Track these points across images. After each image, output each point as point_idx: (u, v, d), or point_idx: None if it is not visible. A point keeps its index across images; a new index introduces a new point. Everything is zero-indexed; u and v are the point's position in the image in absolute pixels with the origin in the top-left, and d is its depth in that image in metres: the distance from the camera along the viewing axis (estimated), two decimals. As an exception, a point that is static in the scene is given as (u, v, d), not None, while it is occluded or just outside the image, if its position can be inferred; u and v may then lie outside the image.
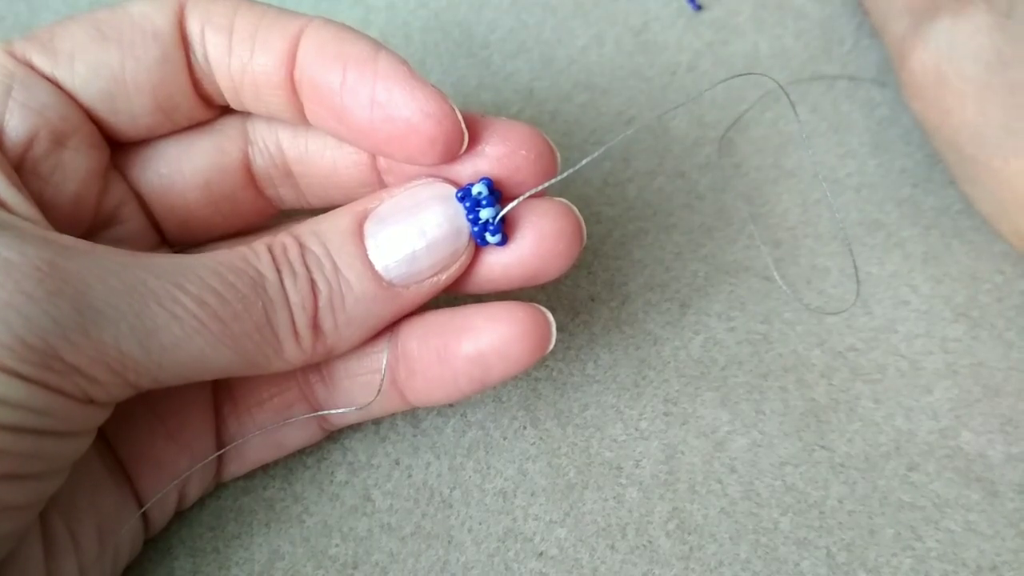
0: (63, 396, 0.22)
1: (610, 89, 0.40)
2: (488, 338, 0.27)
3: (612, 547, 0.31)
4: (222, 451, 0.30)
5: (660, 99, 0.40)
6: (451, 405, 0.33)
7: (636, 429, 0.33)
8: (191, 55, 0.27)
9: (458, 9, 0.42)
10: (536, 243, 0.27)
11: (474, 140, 0.27)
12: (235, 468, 0.31)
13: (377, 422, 0.33)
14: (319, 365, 0.30)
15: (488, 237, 0.27)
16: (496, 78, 0.40)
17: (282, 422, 0.30)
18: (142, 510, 0.28)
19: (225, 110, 0.29)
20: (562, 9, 0.42)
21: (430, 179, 0.27)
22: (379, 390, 0.29)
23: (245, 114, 0.30)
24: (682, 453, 0.33)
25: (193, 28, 0.27)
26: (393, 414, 0.33)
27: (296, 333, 0.26)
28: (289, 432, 0.30)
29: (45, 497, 0.24)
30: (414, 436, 0.33)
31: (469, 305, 0.28)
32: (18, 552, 0.24)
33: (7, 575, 0.24)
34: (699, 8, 0.43)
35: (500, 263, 0.28)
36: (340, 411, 0.30)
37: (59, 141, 0.26)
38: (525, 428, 0.33)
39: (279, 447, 0.31)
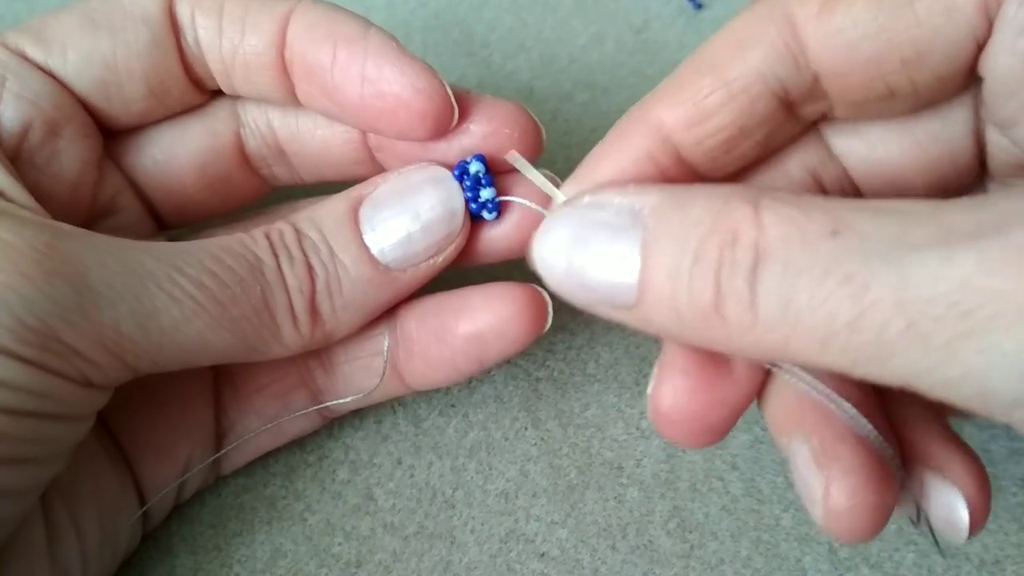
0: (62, 378, 0.22)
1: (611, 88, 0.40)
2: (485, 317, 0.28)
3: (613, 547, 0.31)
4: (227, 449, 0.30)
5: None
6: (453, 405, 0.33)
7: (637, 428, 0.33)
8: (182, 39, 0.27)
9: (458, 9, 0.42)
10: (521, 215, 0.28)
11: (462, 116, 0.27)
12: (235, 459, 0.31)
13: (379, 421, 0.33)
14: (318, 350, 0.30)
15: (485, 214, 0.28)
16: (496, 77, 0.40)
17: (284, 417, 0.30)
18: (146, 506, 0.28)
19: (216, 94, 0.30)
20: (562, 8, 0.42)
21: (424, 163, 0.28)
22: (383, 374, 0.29)
23: (236, 97, 0.30)
24: (683, 451, 0.32)
25: (183, 12, 0.27)
26: (392, 398, 0.33)
27: (294, 317, 0.26)
28: (289, 422, 0.31)
29: (45, 482, 0.24)
30: (416, 436, 0.33)
31: (466, 287, 0.29)
32: (21, 537, 0.24)
33: (10, 559, 0.24)
34: (699, 7, 0.43)
35: (487, 236, 0.29)
36: (341, 401, 0.30)
37: (54, 131, 0.26)
38: (527, 429, 0.33)
39: (278, 435, 0.31)
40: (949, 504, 0.23)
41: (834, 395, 0.22)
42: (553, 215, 0.22)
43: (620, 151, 0.24)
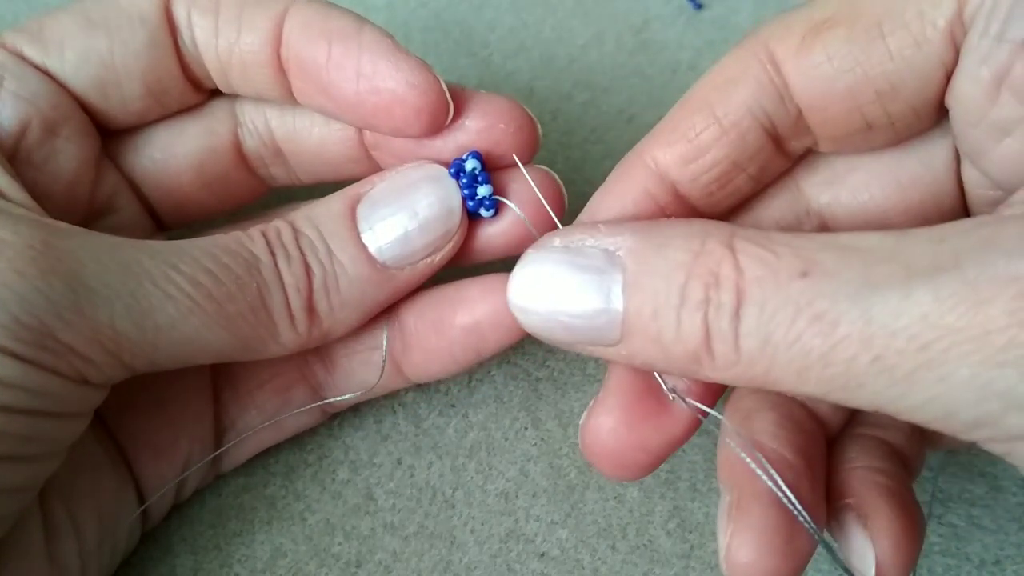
0: (58, 376, 0.22)
1: (611, 88, 0.40)
2: (482, 308, 0.28)
3: (613, 547, 0.31)
4: (227, 447, 0.30)
5: (661, 98, 0.40)
6: (453, 405, 0.33)
7: (637, 427, 0.33)
8: (178, 38, 0.27)
9: (458, 9, 0.42)
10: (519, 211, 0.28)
11: (457, 112, 0.27)
12: (236, 455, 0.31)
13: (379, 421, 0.33)
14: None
15: (483, 212, 0.28)
16: (496, 77, 0.40)
17: (285, 414, 0.30)
18: (146, 504, 0.28)
19: (214, 93, 0.30)
20: (562, 8, 0.42)
21: (421, 161, 0.28)
22: (382, 369, 0.29)
23: (234, 96, 0.30)
24: (683, 451, 0.32)
25: (179, 12, 0.27)
26: (393, 397, 0.33)
27: (291, 315, 0.26)
28: (290, 418, 0.31)
29: (42, 479, 0.24)
30: (416, 436, 0.33)
31: (464, 279, 0.29)
32: (19, 535, 0.24)
33: (8, 559, 0.24)
34: (700, 7, 0.43)
35: (485, 234, 0.29)
36: (342, 398, 0.30)
37: (51, 130, 0.26)
38: (527, 429, 0.33)
39: (280, 430, 0.31)
40: (860, 552, 0.24)
41: (757, 454, 0.23)
42: (525, 260, 0.23)
43: (620, 192, 0.25)
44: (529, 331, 0.23)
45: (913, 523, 0.24)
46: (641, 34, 0.42)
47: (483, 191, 0.27)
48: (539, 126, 0.28)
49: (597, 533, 0.31)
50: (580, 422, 0.25)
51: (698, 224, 0.22)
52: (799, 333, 0.19)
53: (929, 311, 0.18)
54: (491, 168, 0.28)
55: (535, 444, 0.33)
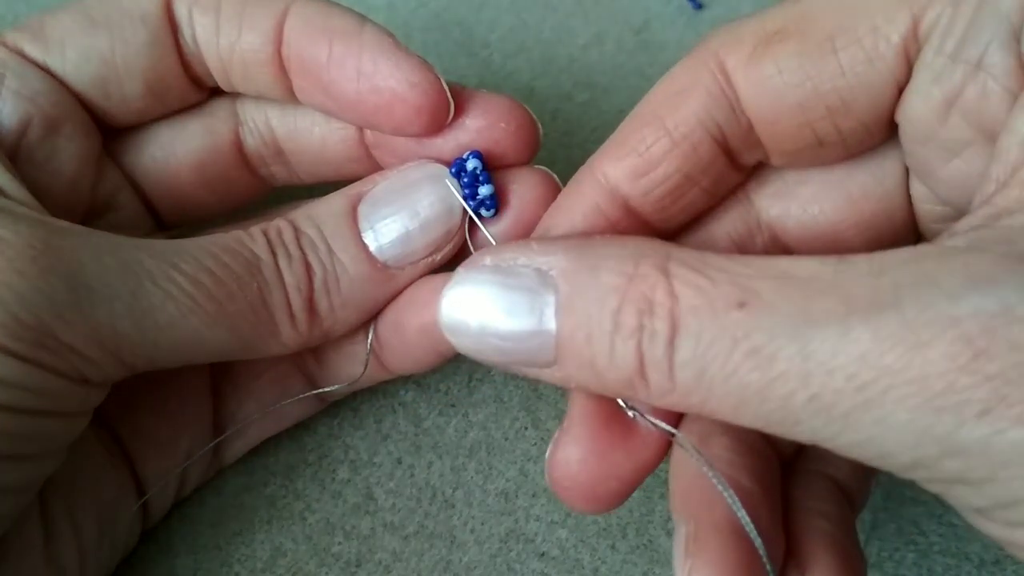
0: (58, 375, 0.22)
1: (611, 88, 0.40)
2: (430, 312, 0.27)
3: (613, 547, 0.31)
4: (228, 433, 0.30)
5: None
6: (453, 405, 0.33)
7: (637, 427, 0.33)
8: (180, 37, 0.27)
9: (458, 9, 0.42)
10: (519, 212, 0.28)
11: (458, 111, 0.27)
12: (238, 446, 0.31)
13: (379, 420, 0.33)
14: None
15: (483, 211, 0.28)
16: (496, 77, 0.40)
17: (282, 403, 0.30)
18: (147, 495, 0.28)
19: (215, 92, 0.30)
20: (562, 8, 0.42)
21: (422, 160, 0.28)
22: (365, 364, 0.29)
23: (235, 95, 0.30)
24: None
25: (180, 10, 0.27)
26: (392, 389, 0.33)
27: (292, 315, 0.26)
28: (287, 406, 0.31)
29: (41, 479, 0.24)
30: (416, 435, 0.33)
31: (423, 278, 0.28)
32: (18, 536, 0.24)
33: (7, 558, 0.24)
34: (700, 7, 0.43)
35: (484, 233, 0.28)
36: (331, 388, 0.30)
37: (53, 128, 0.26)
38: (527, 429, 0.33)
39: (278, 421, 0.31)
40: None
41: (722, 479, 0.22)
42: (454, 279, 0.22)
43: (570, 207, 0.25)
44: (461, 352, 0.22)
45: (854, 573, 0.23)
46: (641, 34, 0.42)
47: (484, 191, 0.27)
48: (540, 126, 0.28)
49: (597, 533, 0.31)
50: (546, 456, 0.24)
51: (632, 244, 0.21)
52: (736, 367, 0.18)
53: (867, 351, 0.17)
54: (492, 168, 0.28)
55: (535, 444, 0.33)
